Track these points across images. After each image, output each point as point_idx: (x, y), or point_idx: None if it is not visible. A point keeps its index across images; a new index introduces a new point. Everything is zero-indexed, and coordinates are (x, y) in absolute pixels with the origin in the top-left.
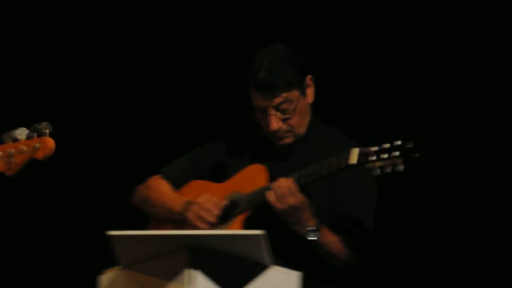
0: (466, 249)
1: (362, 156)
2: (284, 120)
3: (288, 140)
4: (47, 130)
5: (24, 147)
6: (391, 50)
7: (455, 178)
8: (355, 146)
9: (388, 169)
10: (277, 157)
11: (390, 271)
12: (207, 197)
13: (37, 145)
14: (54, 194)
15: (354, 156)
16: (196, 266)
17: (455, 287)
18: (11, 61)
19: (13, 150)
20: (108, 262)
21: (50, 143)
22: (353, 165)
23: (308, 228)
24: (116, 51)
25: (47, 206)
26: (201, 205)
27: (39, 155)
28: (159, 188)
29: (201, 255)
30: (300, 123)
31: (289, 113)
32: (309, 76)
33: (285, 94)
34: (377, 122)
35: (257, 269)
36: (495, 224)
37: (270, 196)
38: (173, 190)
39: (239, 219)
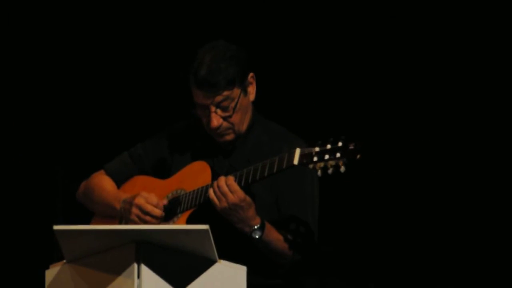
0: (405, 246)
1: (304, 157)
2: (224, 118)
3: (229, 137)
4: None
5: None
6: (334, 48)
7: (394, 178)
8: (298, 142)
9: (330, 170)
10: (220, 153)
11: (334, 266)
12: (146, 198)
13: None
14: (2, 187)
15: (296, 157)
16: (143, 261)
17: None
18: None
19: None
20: (55, 256)
21: None
22: (294, 166)
23: (251, 227)
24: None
25: None
26: (142, 207)
27: None
28: (100, 185)
29: (148, 249)
30: (241, 120)
31: (230, 111)
32: (251, 74)
33: (226, 93)
34: (320, 118)
35: (205, 264)
36: (433, 220)
37: (211, 194)
38: (114, 186)
39: (183, 216)
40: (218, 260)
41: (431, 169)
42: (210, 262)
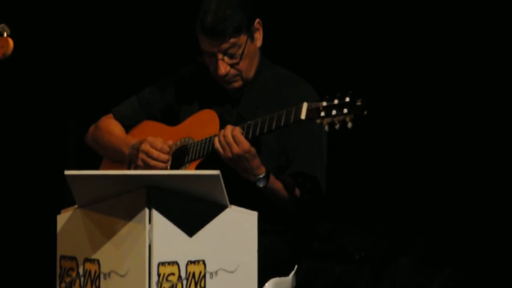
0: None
1: (311, 111)
2: (232, 65)
3: (237, 84)
4: (5, 32)
5: None
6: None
7: (401, 135)
8: (305, 88)
9: (337, 126)
10: (228, 101)
11: (345, 211)
12: (151, 143)
13: None
14: (11, 133)
15: (303, 111)
16: (154, 206)
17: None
18: None
19: None
20: (66, 201)
21: (9, 41)
22: (301, 121)
23: (255, 176)
24: None
25: (5, 144)
26: (148, 152)
27: None
28: (109, 129)
29: (160, 194)
30: (249, 67)
31: (237, 58)
32: (257, 20)
33: (232, 40)
34: (327, 64)
35: (216, 209)
36: (439, 169)
37: (216, 143)
38: (123, 131)
39: (191, 165)
40: (229, 205)
41: (436, 123)
42: (221, 207)
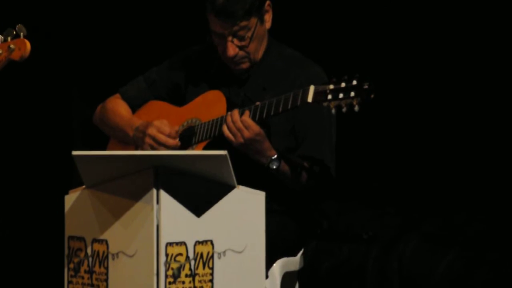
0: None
1: (318, 94)
2: (241, 47)
3: (245, 65)
4: (22, 33)
5: (0, 50)
6: None
7: (406, 115)
8: (313, 68)
9: (344, 109)
10: (235, 82)
11: (353, 191)
12: (158, 127)
13: (13, 46)
14: (18, 115)
15: (310, 94)
16: (162, 186)
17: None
18: None
19: None
20: (74, 182)
21: (27, 43)
22: (308, 103)
23: (267, 158)
24: None
25: (12, 125)
26: (155, 137)
27: (16, 56)
28: (115, 109)
29: (167, 175)
30: (257, 49)
31: (246, 40)
32: (267, 2)
33: (243, 23)
34: (335, 46)
35: (224, 189)
36: (444, 148)
37: (225, 131)
38: (129, 112)
39: (198, 147)
40: (237, 185)
41: (446, 104)
42: (229, 188)
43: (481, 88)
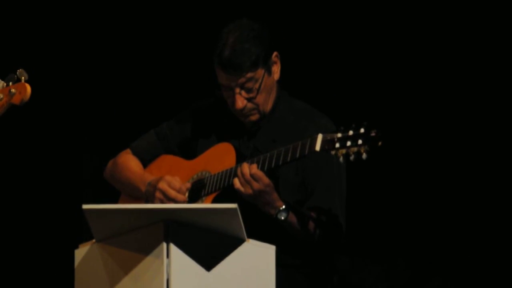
0: (430, 228)
1: (326, 143)
2: (249, 99)
3: (254, 117)
4: (23, 77)
5: (1, 95)
6: (361, 31)
7: (415, 165)
8: (323, 121)
9: (352, 157)
10: (245, 134)
11: (364, 246)
12: (169, 182)
13: (13, 90)
14: (30, 168)
15: (318, 143)
16: (172, 240)
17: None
18: None
19: None
20: (85, 236)
21: (27, 87)
22: (316, 152)
23: (276, 208)
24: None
25: (23, 181)
26: (165, 192)
27: (16, 100)
28: (127, 165)
29: (177, 228)
30: (266, 100)
31: (254, 92)
32: (275, 53)
33: (250, 74)
34: (343, 97)
35: (234, 243)
36: (454, 204)
37: (236, 183)
38: (141, 167)
39: (208, 199)
40: (247, 239)
41: (450, 157)
42: (239, 241)
43: (487, 138)
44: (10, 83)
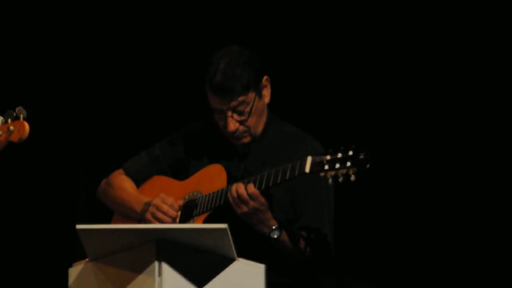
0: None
1: (315, 165)
2: (241, 122)
3: (246, 140)
4: (22, 114)
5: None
6: (347, 52)
7: (402, 183)
8: (312, 144)
9: (340, 179)
10: (236, 156)
11: (350, 265)
12: (163, 198)
13: (12, 128)
14: (22, 188)
15: (307, 165)
16: (163, 259)
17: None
18: None
19: None
20: (78, 255)
21: (25, 125)
22: (306, 174)
23: (269, 227)
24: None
25: (16, 200)
26: (158, 206)
27: (15, 137)
28: (121, 186)
29: (169, 248)
30: (257, 123)
31: (246, 115)
32: (265, 77)
33: (241, 98)
34: (331, 120)
35: (224, 262)
36: (440, 221)
37: (232, 203)
38: (135, 188)
39: (199, 219)
40: (237, 258)
41: (438, 176)
42: (229, 260)
43: (481, 159)
44: (9, 120)
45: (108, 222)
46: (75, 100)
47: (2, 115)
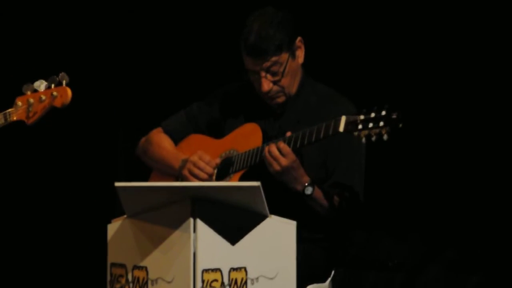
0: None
1: (349, 124)
2: (274, 82)
3: (280, 99)
4: (65, 80)
5: (43, 96)
6: (384, 14)
7: (435, 146)
8: (344, 103)
9: (373, 138)
10: (271, 115)
11: (379, 221)
12: (200, 155)
13: (55, 93)
14: (67, 150)
15: (341, 124)
16: (198, 215)
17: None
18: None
19: (32, 100)
20: (118, 212)
21: (68, 91)
22: (340, 133)
23: (302, 184)
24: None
25: (61, 161)
26: (195, 163)
27: (58, 103)
28: (160, 143)
29: (203, 205)
30: (291, 83)
31: (279, 75)
32: (298, 38)
33: (274, 58)
34: (365, 81)
35: (257, 218)
36: (473, 189)
37: (265, 160)
38: (173, 145)
39: (235, 176)
40: (269, 215)
41: (469, 134)
42: (261, 217)
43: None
44: (52, 86)
45: (146, 181)
46: (114, 64)
47: (46, 80)
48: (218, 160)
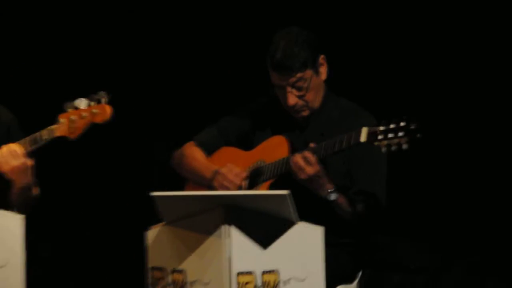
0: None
1: (370, 135)
2: (299, 97)
3: (305, 113)
4: (104, 98)
5: (84, 113)
6: (401, 31)
7: (452, 157)
8: (366, 117)
9: (393, 148)
10: (296, 128)
11: (404, 227)
12: (230, 168)
13: (96, 110)
14: (106, 163)
15: (363, 135)
16: (231, 222)
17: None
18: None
19: (74, 117)
20: (154, 219)
21: (108, 109)
22: (362, 143)
23: (326, 191)
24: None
25: (102, 174)
26: (225, 175)
27: (98, 119)
28: (193, 155)
29: (235, 212)
30: (314, 98)
31: (304, 90)
32: (322, 56)
33: (299, 74)
34: (384, 95)
35: (286, 224)
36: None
37: (292, 169)
38: (205, 157)
39: (265, 185)
40: (298, 221)
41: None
42: (290, 223)
43: None
44: (93, 103)
45: (182, 189)
46: (151, 84)
47: (86, 99)
48: (246, 173)
